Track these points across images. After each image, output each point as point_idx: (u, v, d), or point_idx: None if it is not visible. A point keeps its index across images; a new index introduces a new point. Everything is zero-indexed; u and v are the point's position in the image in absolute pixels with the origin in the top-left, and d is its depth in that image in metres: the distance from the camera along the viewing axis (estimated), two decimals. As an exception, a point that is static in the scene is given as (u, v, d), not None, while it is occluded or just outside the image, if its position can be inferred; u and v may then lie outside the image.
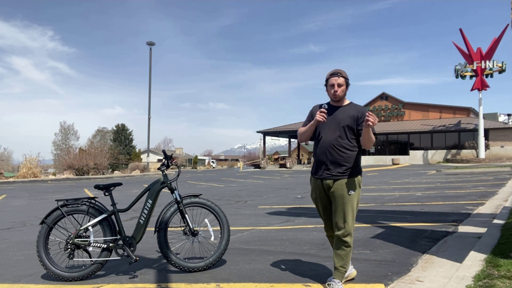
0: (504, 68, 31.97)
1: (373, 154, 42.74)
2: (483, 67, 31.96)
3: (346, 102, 3.27)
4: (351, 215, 3.10)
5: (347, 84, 3.20)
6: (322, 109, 3.12)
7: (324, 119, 3.09)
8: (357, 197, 3.15)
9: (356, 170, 3.16)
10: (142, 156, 48.22)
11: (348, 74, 3.24)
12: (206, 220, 3.98)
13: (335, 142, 3.13)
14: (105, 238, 3.80)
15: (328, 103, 3.28)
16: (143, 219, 3.84)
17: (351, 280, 3.39)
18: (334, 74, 3.16)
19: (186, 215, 3.91)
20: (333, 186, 3.13)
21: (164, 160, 4.05)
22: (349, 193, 3.09)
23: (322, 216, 3.32)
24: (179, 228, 3.96)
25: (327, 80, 3.20)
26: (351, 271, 3.37)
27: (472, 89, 32.56)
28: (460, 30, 32.80)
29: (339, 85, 3.15)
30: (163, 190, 3.92)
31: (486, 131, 34.17)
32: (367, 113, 2.99)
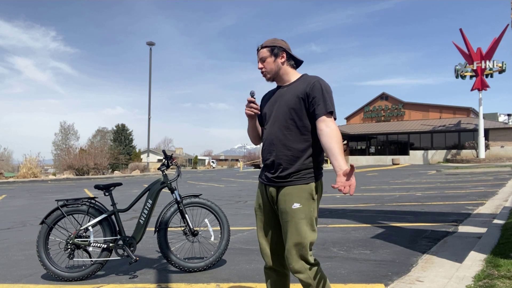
0: (504, 68, 31.98)
1: (373, 154, 42.76)
2: (483, 67, 31.96)
3: (295, 76, 2.31)
4: (293, 239, 2.10)
5: (276, 53, 2.28)
6: (248, 98, 2.32)
7: (254, 111, 2.32)
8: (306, 213, 2.12)
9: (308, 173, 2.16)
10: (142, 156, 48.24)
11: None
12: (206, 220, 3.99)
13: (279, 135, 2.20)
14: (105, 238, 3.80)
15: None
16: (143, 219, 3.84)
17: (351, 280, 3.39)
18: (256, 50, 2.35)
19: (186, 215, 3.91)
20: (277, 197, 2.21)
21: (164, 160, 4.05)
22: (293, 206, 2.12)
23: (260, 237, 2.32)
24: (179, 228, 3.96)
25: None
26: None
27: (472, 89, 32.58)
28: (460, 30, 32.81)
29: (262, 60, 2.30)
30: (163, 190, 3.92)
31: (486, 131, 34.17)
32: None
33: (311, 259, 2.13)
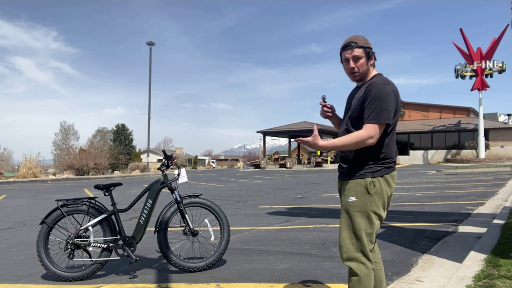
0: (504, 68, 31.97)
1: (373, 154, 42.76)
2: (483, 67, 31.95)
3: (371, 75, 2.38)
4: (347, 230, 2.28)
5: (369, 55, 2.33)
6: (320, 102, 2.49)
7: (327, 114, 2.53)
8: (361, 207, 2.25)
9: (363, 168, 2.31)
10: (142, 156, 48.23)
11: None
12: (206, 220, 3.99)
13: (341, 135, 2.38)
14: (105, 238, 3.80)
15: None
16: (143, 219, 3.84)
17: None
18: (347, 46, 2.31)
19: (186, 215, 3.91)
20: (341, 190, 2.43)
21: (164, 160, 4.05)
22: (349, 199, 2.28)
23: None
24: (179, 228, 3.96)
25: (340, 55, 2.39)
26: None
27: (472, 89, 32.57)
28: (461, 30, 32.80)
29: (356, 59, 2.31)
30: (163, 190, 3.92)
31: (486, 131, 34.16)
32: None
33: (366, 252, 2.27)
